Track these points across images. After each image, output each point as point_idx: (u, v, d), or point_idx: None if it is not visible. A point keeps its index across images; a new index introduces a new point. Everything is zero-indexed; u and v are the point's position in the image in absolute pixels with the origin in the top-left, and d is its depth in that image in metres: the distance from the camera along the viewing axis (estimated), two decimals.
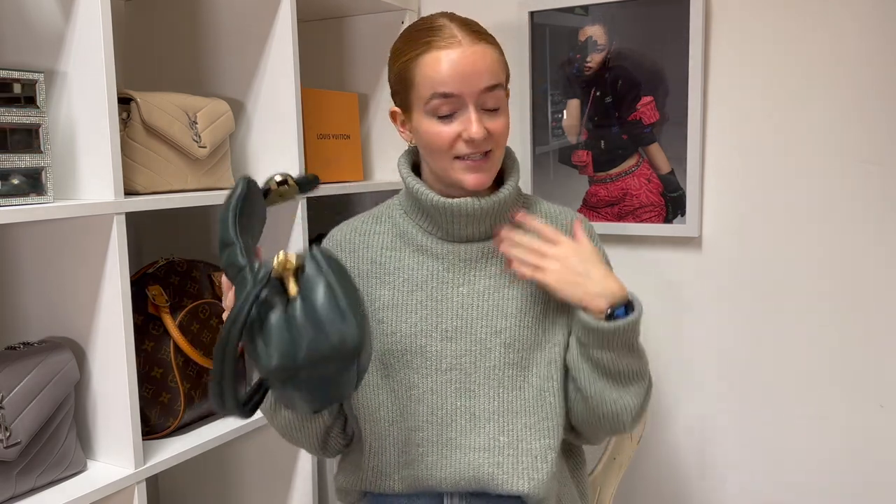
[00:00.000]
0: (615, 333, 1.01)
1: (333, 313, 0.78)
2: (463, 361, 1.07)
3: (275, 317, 0.79)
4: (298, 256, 0.81)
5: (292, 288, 0.80)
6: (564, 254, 1.04)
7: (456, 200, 1.07)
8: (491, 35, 1.07)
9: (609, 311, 1.02)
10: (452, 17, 1.07)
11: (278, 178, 1.00)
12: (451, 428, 1.07)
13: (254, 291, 0.79)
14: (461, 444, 1.06)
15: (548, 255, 1.03)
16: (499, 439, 1.06)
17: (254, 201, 0.93)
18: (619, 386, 1.05)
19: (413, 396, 1.08)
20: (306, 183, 1.04)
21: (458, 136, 1.03)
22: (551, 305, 1.09)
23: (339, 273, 0.82)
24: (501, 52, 1.07)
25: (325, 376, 0.80)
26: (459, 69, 1.01)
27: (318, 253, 0.82)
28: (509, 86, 1.12)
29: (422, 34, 1.05)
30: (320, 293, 0.79)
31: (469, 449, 1.06)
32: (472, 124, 1.02)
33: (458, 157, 1.05)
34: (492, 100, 1.04)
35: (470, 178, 1.05)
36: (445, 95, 1.02)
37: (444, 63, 1.01)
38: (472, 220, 1.09)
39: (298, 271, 0.81)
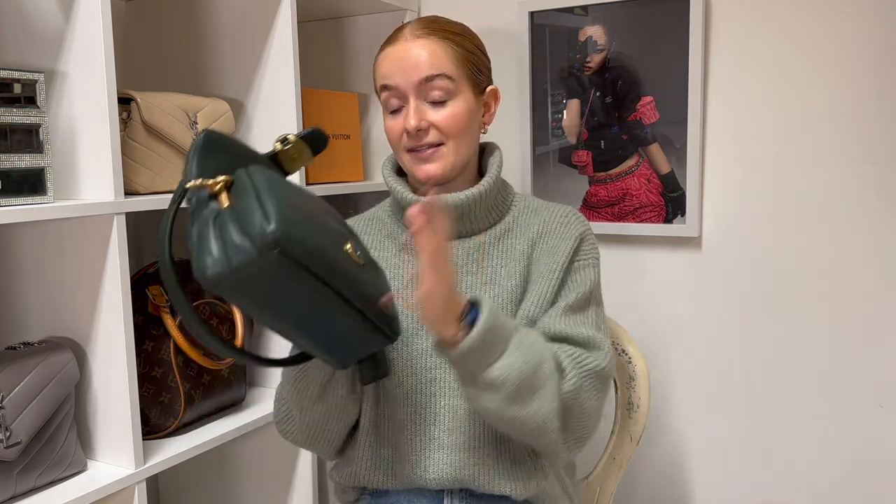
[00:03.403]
0: (481, 342, 0.90)
1: (255, 207, 0.76)
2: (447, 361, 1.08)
3: (205, 230, 0.78)
4: (234, 174, 0.82)
5: (223, 202, 0.79)
6: (433, 288, 0.86)
7: (428, 198, 1.07)
8: (455, 32, 1.09)
9: (463, 318, 0.91)
10: (421, 18, 1.11)
11: (281, 137, 0.97)
12: (434, 427, 1.07)
13: (172, 207, 0.82)
14: (444, 443, 1.06)
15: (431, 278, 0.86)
16: (480, 439, 1.06)
17: (229, 149, 0.89)
18: (527, 403, 0.95)
19: (399, 394, 1.08)
20: (311, 136, 0.99)
21: (403, 130, 1.07)
22: (531, 308, 1.08)
23: (272, 181, 0.80)
24: (459, 47, 1.07)
25: (265, 282, 0.77)
26: (398, 62, 1.06)
27: (256, 168, 0.82)
28: (497, 85, 1.14)
29: (388, 37, 1.11)
30: (247, 201, 0.78)
31: (451, 448, 1.06)
32: (408, 116, 1.06)
33: (409, 151, 1.08)
34: (434, 91, 1.05)
35: (419, 171, 1.08)
36: (387, 88, 1.08)
37: (388, 57, 1.08)
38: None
39: (231, 186, 0.81)
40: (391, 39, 1.10)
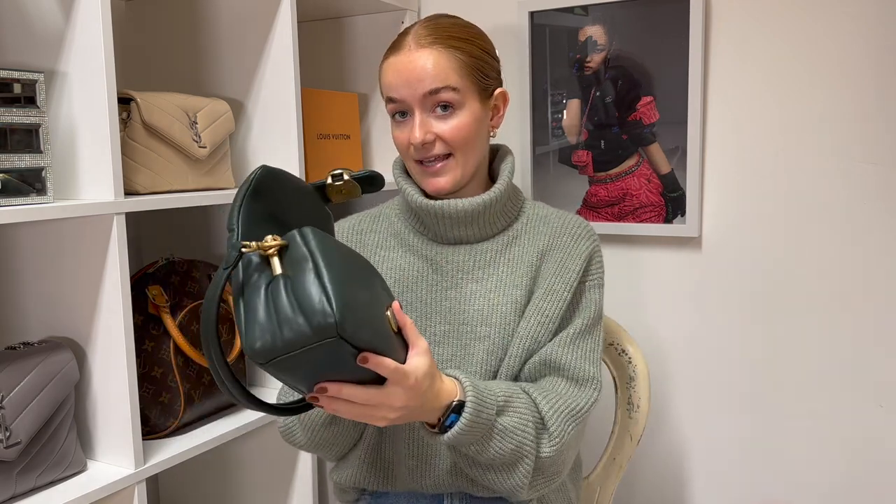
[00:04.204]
0: (459, 439, 0.92)
1: (315, 287, 0.74)
2: (448, 366, 1.07)
3: (255, 299, 0.76)
4: (286, 236, 0.78)
5: (276, 268, 0.76)
6: (396, 397, 0.84)
7: (438, 203, 1.07)
8: (460, 37, 1.06)
9: (441, 421, 0.92)
10: (426, 20, 1.08)
11: (335, 172, 0.96)
12: None
13: (223, 274, 0.76)
14: (441, 449, 1.06)
15: (379, 405, 0.84)
16: None
17: (279, 189, 0.88)
18: (499, 471, 0.98)
19: None
20: (366, 179, 0.98)
21: (410, 142, 1.05)
22: (536, 327, 1.06)
23: (327, 249, 0.77)
24: (463, 54, 1.04)
25: (312, 359, 0.75)
26: (402, 75, 1.04)
27: (309, 231, 0.78)
28: (504, 87, 1.12)
29: (393, 42, 1.08)
30: (303, 271, 0.75)
31: (447, 455, 1.05)
32: (413, 130, 1.04)
33: (418, 162, 1.07)
34: (439, 103, 1.03)
35: (429, 184, 1.07)
36: (393, 100, 1.05)
37: (392, 68, 1.05)
38: (456, 223, 1.08)
39: (283, 250, 0.77)
40: (395, 47, 1.06)
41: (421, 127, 1.03)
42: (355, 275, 0.80)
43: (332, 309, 0.72)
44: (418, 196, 1.09)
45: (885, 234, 1.35)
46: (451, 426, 0.91)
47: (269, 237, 0.77)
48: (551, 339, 1.06)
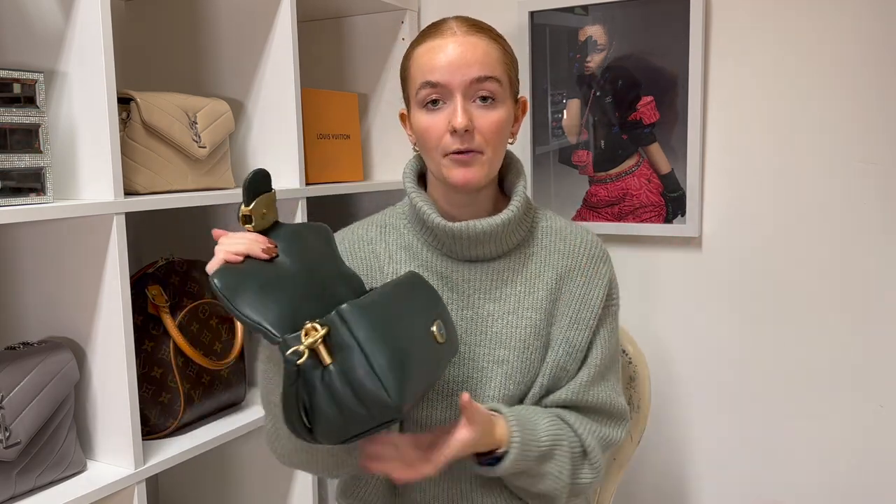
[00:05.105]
0: (503, 475, 1.00)
1: (369, 378, 0.77)
2: (464, 388, 1.05)
3: (316, 395, 0.79)
4: (324, 324, 0.79)
5: (325, 357, 0.78)
6: (468, 440, 0.93)
7: (458, 225, 1.03)
8: (498, 35, 1.05)
9: (484, 459, 0.99)
10: (461, 16, 1.05)
11: (243, 216, 0.90)
12: None
13: (291, 390, 0.79)
14: (455, 473, 1.05)
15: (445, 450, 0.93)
16: None
17: (248, 272, 0.84)
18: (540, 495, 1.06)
19: (412, 418, 1.05)
20: (251, 187, 0.90)
21: (446, 130, 1.00)
22: (564, 356, 1.06)
23: (370, 327, 0.79)
24: (505, 51, 1.04)
25: (376, 430, 0.82)
26: (448, 58, 0.99)
27: (348, 310, 0.79)
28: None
29: (425, 31, 1.05)
30: (352, 359, 0.78)
31: (460, 479, 1.05)
32: (455, 114, 0.99)
33: (446, 155, 1.01)
34: (483, 93, 1.00)
35: (456, 174, 1.01)
36: (433, 84, 1.00)
37: (435, 51, 1.00)
38: (474, 243, 1.05)
39: (328, 337, 0.79)
40: (433, 34, 1.02)
41: (464, 113, 0.99)
42: (398, 329, 0.83)
43: (389, 398, 0.77)
44: (435, 216, 1.04)
45: (885, 234, 1.35)
46: (494, 463, 0.98)
47: (308, 324, 0.79)
48: (578, 371, 1.07)
